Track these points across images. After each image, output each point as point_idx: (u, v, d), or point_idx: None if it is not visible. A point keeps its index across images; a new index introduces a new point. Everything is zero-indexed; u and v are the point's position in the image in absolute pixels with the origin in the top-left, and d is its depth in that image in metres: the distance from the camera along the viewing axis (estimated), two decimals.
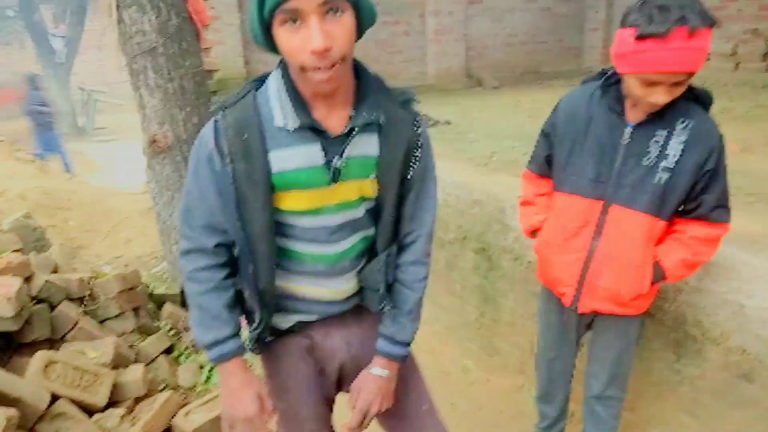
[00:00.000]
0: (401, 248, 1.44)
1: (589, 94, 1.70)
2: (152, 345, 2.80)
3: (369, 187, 1.32)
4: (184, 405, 2.55)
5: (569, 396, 2.19)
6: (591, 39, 8.69)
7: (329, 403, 1.63)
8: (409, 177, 1.35)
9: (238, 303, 1.42)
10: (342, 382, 1.60)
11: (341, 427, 1.56)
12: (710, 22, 1.39)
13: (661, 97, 1.47)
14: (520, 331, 2.91)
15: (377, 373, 1.46)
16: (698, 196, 1.62)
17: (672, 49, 1.37)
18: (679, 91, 1.48)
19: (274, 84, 1.24)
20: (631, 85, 1.51)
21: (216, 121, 1.25)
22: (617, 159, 1.63)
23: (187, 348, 2.93)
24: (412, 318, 1.47)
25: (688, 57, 1.39)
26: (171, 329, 3.06)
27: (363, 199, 1.34)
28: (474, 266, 3.08)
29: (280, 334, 1.50)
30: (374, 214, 1.38)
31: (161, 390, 2.59)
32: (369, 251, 1.44)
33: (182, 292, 3.33)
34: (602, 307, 1.79)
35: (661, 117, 1.57)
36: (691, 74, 1.45)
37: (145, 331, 2.94)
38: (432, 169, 1.41)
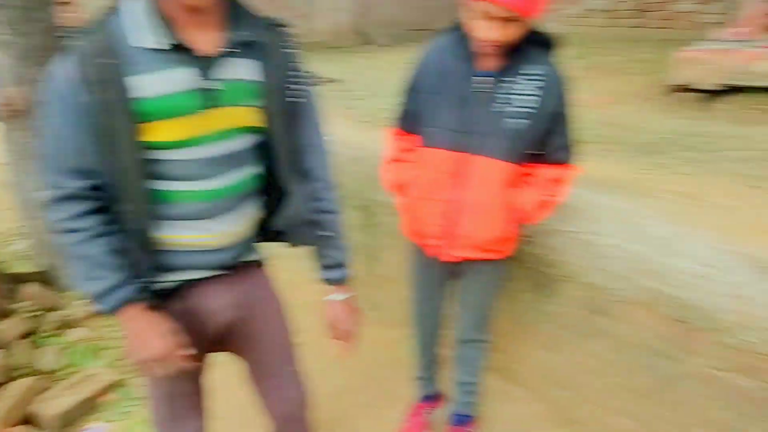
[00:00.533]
0: (307, 179, 1.42)
1: (444, 47, 1.68)
2: (8, 329, 2.58)
3: (251, 116, 1.26)
4: (46, 390, 2.38)
5: (442, 343, 2.24)
6: None
7: (202, 360, 1.57)
8: (294, 103, 1.31)
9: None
10: (224, 340, 1.55)
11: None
12: None
13: (495, 32, 1.47)
14: (401, 285, 2.94)
15: (339, 298, 1.53)
16: (548, 140, 1.66)
17: None
18: (514, 31, 1.48)
19: (134, 3, 1.14)
20: (472, 23, 1.51)
21: (72, 49, 1.13)
22: (472, 108, 1.63)
23: (49, 329, 2.72)
24: (343, 236, 1.50)
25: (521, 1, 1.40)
26: (33, 310, 2.83)
27: (245, 129, 1.28)
28: (356, 223, 3.06)
29: (159, 297, 1.39)
30: (265, 148, 1.34)
31: (19, 377, 2.40)
32: (267, 191, 1.40)
33: (48, 271, 3.10)
34: (468, 254, 1.81)
35: (508, 64, 1.58)
36: (525, 18, 1.46)
37: None
38: (314, 95, 1.39)
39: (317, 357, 2.91)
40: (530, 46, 1.58)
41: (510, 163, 1.66)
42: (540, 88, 1.58)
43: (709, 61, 3.72)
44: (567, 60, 5.36)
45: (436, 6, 8.45)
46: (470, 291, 1.96)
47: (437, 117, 1.69)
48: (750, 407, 1.82)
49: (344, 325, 1.55)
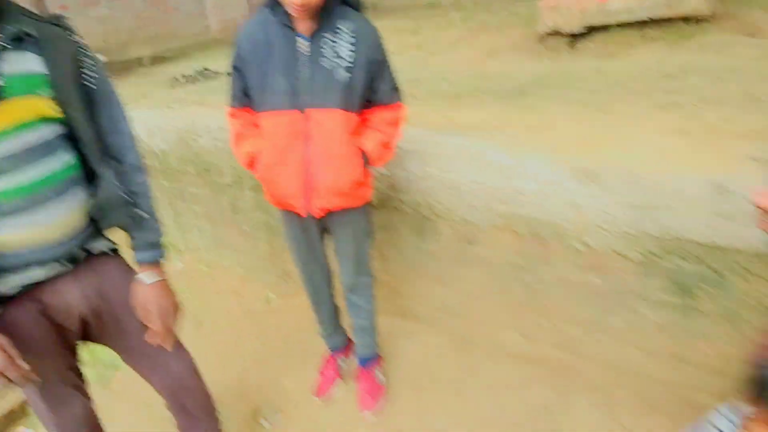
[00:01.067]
0: (117, 162, 1.51)
1: (264, 19, 1.81)
2: None
3: (45, 106, 1.32)
4: None
5: (334, 296, 2.39)
6: None
7: (73, 350, 1.65)
8: (88, 91, 1.39)
9: None
10: (89, 332, 1.62)
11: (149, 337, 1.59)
12: None
13: (305, 9, 1.65)
14: None
15: (150, 279, 1.54)
16: (374, 87, 1.84)
17: None
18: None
19: None
20: None
21: None
22: (301, 68, 1.77)
23: None
24: (156, 218, 1.58)
25: None
26: None
27: (41, 120, 1.34)
28: (254, 203, 3.17)
29: (7, 301, 1.46)
30: (71, 137, 1.41)
31: None
32: (85, 179, 1.46)
33: None
34: (330, 204, 1.93)
35: (322, 24, 1.74)
36: None
37: None
38: (110, 81, 1.47)
39: (242, 330, 3.05)
40: (339, 5, 1.75)
41: (345, 112, 1.82)
42: (354, 41, 1.75)
43: (569, 6, 3.99)
44: (454, 24, 5.55)
45: None
46: (342, 240, 2.11)
47: (270, 84, 1.81)
48: (605, 301, 2.07)
49: (153, 307, 1.54)
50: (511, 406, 2.25)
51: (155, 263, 1.57)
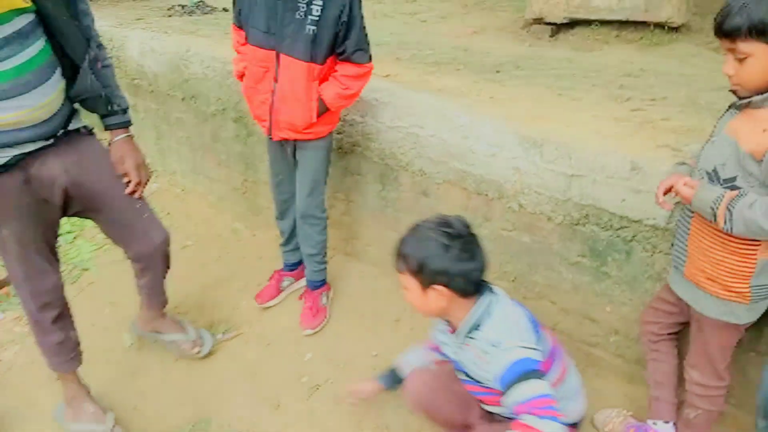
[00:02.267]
0: (88, 45, 1.73)
1: None
2: None
3: None
4: None
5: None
6: None
7: (53, 227, 1.87)
8: None
9: None
10: (68, 206, 1.84)
11: None
12: None
13: None
14: None
15: (123, 136, 1.90)
16: (342, 43, 2.11)
17: None
18: None
19: None
20: None
21: None
22: (278, 14, 2.05)
23: None
24: (120, 90, 1.89)
25: None
26: None
27: (17, 11, 1.49)
28: (235, 135, 3.36)
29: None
30: (46, 25, 1.59)
31: None
32: (65, 66, 1.67)
33: None
34: (286, 135, 2.27)
35: None
36: None
37: None
38: None
39: (207, 253, 3.28)
40: None
41: (309, 63, 2.10)
42: (329, 1, 2.01)
43: None
44: None
45: None
46: (300, 167, 2.40)
47: (253, 19, 2.11)
48: (531, 257, 2.35)
49: (129, 159, 1.88)
50: None
51: (125, 126, 1.90)
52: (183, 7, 5.02)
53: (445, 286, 1.47)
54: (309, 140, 2.29)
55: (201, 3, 5.20)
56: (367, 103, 2.60)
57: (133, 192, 1.89)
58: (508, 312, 1.52)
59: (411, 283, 1.51)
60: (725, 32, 1.40)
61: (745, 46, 1.38)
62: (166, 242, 2.07)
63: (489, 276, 2.55)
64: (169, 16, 4.77)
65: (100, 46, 1.80)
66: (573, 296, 2.29)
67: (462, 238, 1.49)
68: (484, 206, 2.38)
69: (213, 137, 3.49)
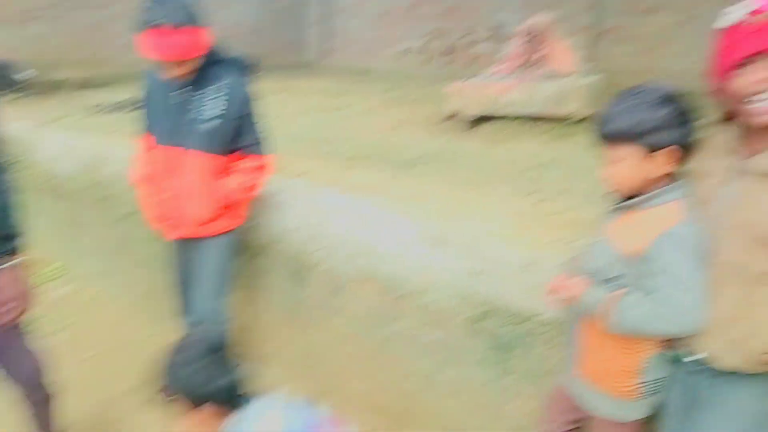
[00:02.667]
0: None
1: (153, 72, 2.19)
2: None
3: None
4: None
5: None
6: (310, 34, 9.38)
7: None
8: None
9: None
10: None
11: None
12: (187, 22, 1.91)
13: (175, 71, 2.01)
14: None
15: (4, 266, 1.74)
16: (241, 137, 2.20)
17: (159, 40, 1.91)
18: (185, 66, 2.01)
19: None
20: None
21: None
22: (175, 114, 2.14)
23: None
24: (12, 213, 1.78)
25: (171, 48, 1.92)
26: None
27: None
28: (147, 237, 3.26)
29: None
30: None
31: None
32: None
33: None
34: (191, 232, 2.27)
35: (197, 81, 2.11)
36: (186, 59, 1.99)
37: None
38: None
39: (117, 360, 3.08)
40: (217, 66, 2.11)
41: (212, 156, 2.16)
42: (226, 97, 2.11)
43: (470, 93, 4.44)
44: (375, 93, 5.96)
45: (265, 42, 8.89)
46: (201, 267, 2.35)
47: (156, 122, 2.20)
48: (441, 354, 2.31)
49: (7, 291, 1.75)
50: None
51: (9, 253, 1.77)
52: (108, 104, 5.02)
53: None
54: (212, 237, 2.29)
55: (126, 101, 5.22)
56: (276, 202, 2.60)
57: (7, 322, 1.79)
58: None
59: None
60: (603, 137, 1.47)
61: (622, 151, 1.44)
62: (38, 374, 1.97)
63: (401, 374, 2.52)
64: (93, 114, 4.75)
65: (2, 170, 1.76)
66: (482, 393, 2.24)
67: (217, 353, 1.55)
68: (394, 304, 2.35)
69: (126, 239, 3.39)
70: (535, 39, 4.62)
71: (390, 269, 2.32)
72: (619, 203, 1.53)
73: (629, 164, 1.45)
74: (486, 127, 4.41)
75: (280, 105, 5.62)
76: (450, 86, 4.56)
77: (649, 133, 1.43)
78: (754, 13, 1.21)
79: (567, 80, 4.42)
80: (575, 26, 6.98)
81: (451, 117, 4.59)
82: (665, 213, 1.45)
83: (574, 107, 4.11)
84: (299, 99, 6.00)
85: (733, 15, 1.25)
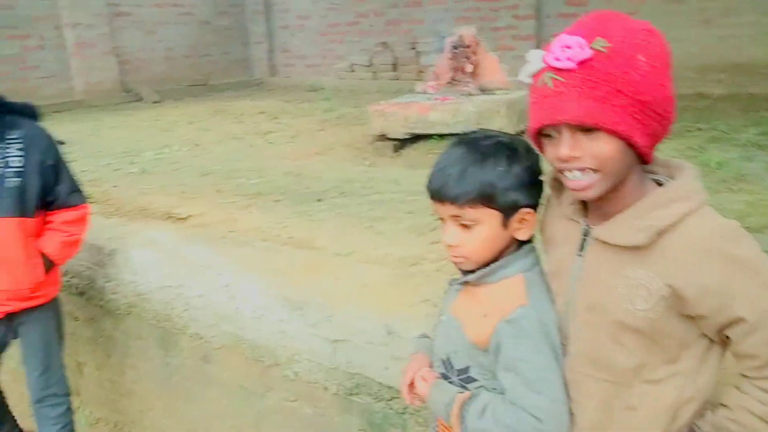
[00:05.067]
0: None
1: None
2: None
3: None
4: None
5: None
6: (256, 51, 9.10)
7: None
8: None
9: None
10: None
11: None
12: None
13: None
14: None
15: None
16: (53, 189, 1.90)
17: None
18: None
19: None
20: None
21: None
22: None
23: None
24: None
25: None
26: None
27: None
28: None
29: None
30: None
31: None
32: None
33: None
34: (12, 306, 1.93)
35: None
36: None
37: None
38: None
39: None
40: (7, 116, 1.82)
41: (20, 218, 1.84)
42: (23, 147, 1.82)
43: (395, 113, 4.18)
44: (315, 113, 5.65)
45: (210, 62, 8.60)
46: (28, 345, 2.03)
47: None
48: (315, 431, 2.02)
49: None
50: None
51: None
52: None
53: None
54: (35, 308, 1.97)
55: None
56: (139, 260, 2.30)
57: None
58: None
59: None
60: (449, 197, 1.16)
61: (474, 213, 1.16)
62: None
63: None
64: None
65: None
66: None
67: None
68: (263, 374, 2.06)
69: None
70: (462, 53, 4.38)
71: (252, 336, 2.03)
72: (462, 277, 1.25)
73: (481, 231, 1.16)
74: (411, 150, 4.15)
75: (204, 132, 5.34)
76: (373, 106, 4.30)
77: (503, 194, 1.14)
78: (556, 71, 0.91)
79: (492, 97, 4.19)
80: (518, 36, 6.79)
81: (378, 138, 4.33)
82: (508, 291, 1.17)
83: (499, 125, 3.86)
84: (230, 123, 5.70)
85: (532, 65, 0.97)
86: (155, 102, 7.45)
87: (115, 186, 3.52)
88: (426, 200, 3.09)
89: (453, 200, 1.14)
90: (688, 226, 0.93)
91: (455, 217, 1.15)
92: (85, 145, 4.85)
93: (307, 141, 4.73)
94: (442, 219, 1.16)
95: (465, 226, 1.15)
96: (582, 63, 0.89)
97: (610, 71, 0.88)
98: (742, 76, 5.41)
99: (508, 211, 1.16)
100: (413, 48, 7.52)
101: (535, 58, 0.95)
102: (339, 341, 1.81)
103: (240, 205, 3.05)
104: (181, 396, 2.39)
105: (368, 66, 8.02)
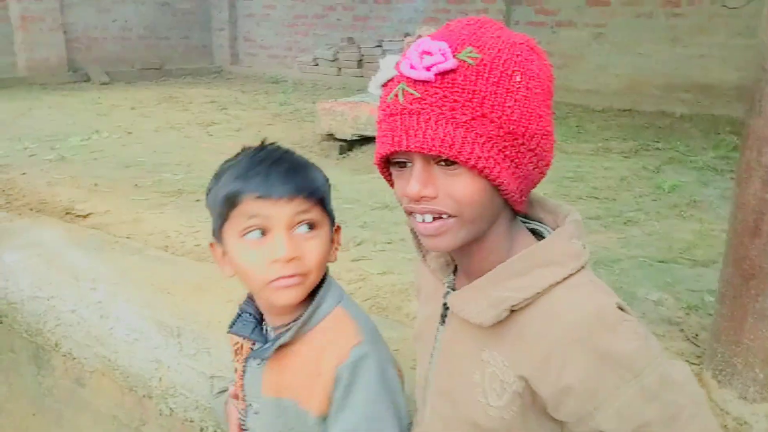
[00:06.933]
0: None
1: None
2: None
3: None
4: None
5: None
6: (218, 38, 8.74)
7: None
8: None
9: None
10: None
11: None
12: None
13: None
14: None
15: None
16: None
17: None
18: None
19: None
20: None
21: None
22: None
23: None
24: None
25: None
26: None
27: None
28: None
29: None
30: None
31: None
32: None
33: None
34: None
35: None
36: None
37: None
38: None
39: None
40: None
41: None
42: None
43: (343, 112, 3.92)
44: (269, 106, 5.33)
45: (168, 46, 8.22)
46: None
47: None
48: None
49: None
50: None
51: None
52: None
53: None
54: None
55: None
56: (10, 263, 2.00)
57: None
58: None
59: None
60: (302, 189, 0.88)
61: (319, 214, 0.91)
62: None
63: None
64: None
65: None
66: None
67: None
68: (138, 406, 1.79)
69: None
70: None
71: (124, 361, 1.75)
72: (260, 347, 0.99)
73: (322, 238, 0.92)
74: (358, 152, 3.90)
75: (143, 119, 4.99)
76: (321, 104, 4.04)
77: (329, 199, 0.95)
78: (410, 82, 0.68)
79: None
80: None
81: (325, 138, 4.08)
82: (334, 332, 0.94)
83: None
84: (175, 111, 5.36)
85: (383, 73, 0.72)
86: (103, 83, 7.05)
87: (23, 174, 3.18)
88: (367, 206, 2.80)
89: (310, 192, 0.89)
90: (552, 303, 0.68)
91: (297, 220, 0.88)
92: (10, 126, 4.48)
93: (251, 136, 4.43)
94: (263, 230, 0.88)
95: (310, 230, 0.90)
96: (443, 75, 0.66)
97: (476, 89, 0.65)
98: (706, 97, 5.30)
99: (332, 222, 0.96)
100: (379, 46, 7.27)
101: (388, 65, 0.72)
102: (217, 377, 1.55)
103: (154, 203, 2.77)
104: (54, 419, 2.10)
105: (333, 61, 7.74)
